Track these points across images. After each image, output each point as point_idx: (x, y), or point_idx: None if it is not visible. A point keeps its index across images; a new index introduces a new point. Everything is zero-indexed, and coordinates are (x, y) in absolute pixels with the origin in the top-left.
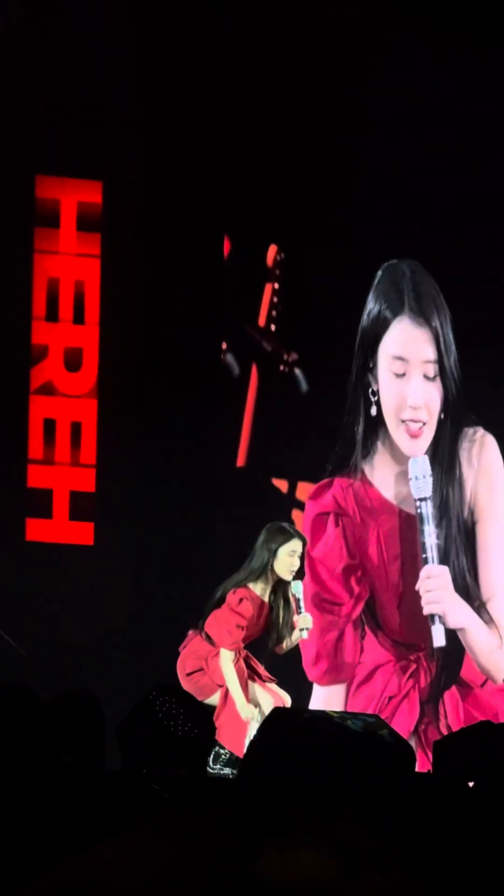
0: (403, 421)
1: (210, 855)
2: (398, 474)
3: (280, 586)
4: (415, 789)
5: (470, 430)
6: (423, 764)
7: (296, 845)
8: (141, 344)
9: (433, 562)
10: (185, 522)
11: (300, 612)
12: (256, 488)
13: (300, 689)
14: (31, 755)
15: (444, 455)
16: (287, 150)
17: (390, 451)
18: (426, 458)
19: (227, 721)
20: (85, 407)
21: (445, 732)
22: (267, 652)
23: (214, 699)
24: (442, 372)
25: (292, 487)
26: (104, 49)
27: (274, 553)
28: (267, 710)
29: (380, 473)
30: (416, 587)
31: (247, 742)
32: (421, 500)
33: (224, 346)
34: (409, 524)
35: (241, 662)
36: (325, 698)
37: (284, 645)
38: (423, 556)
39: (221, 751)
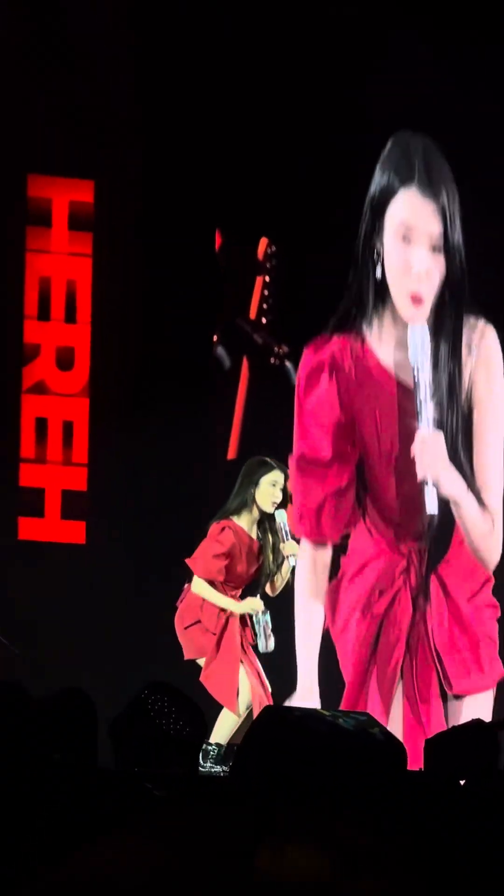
0: (406, 287)
1: (209, 855)
2: (398, 344)
3: (265, 521)
4: (407, 788)
5: (472, 318)
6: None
7: (293, 845)
8: (133, 343)
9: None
10: (177, 520)
11: (287, 540)
12: None
13: (292, 685)
14: (23, 753)
15: (446, 331)
16: (286, 150)
17: (392, 319)
18: (426, 327)
19: (217, 671)
20: (77, 406)
21: (435, 646)
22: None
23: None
24: (447, 248)
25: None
26: (100, 48)
27: (256, 484)
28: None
29: (380, 340)
30: (411, 452)
31: (239, 698)
32: (418, 368)
33: (215, 338)
34: (407, 397)
35: (237, 628)
36: (312, 558)
37: (277, 582)
38: (420, 424)
39: (209, 747)
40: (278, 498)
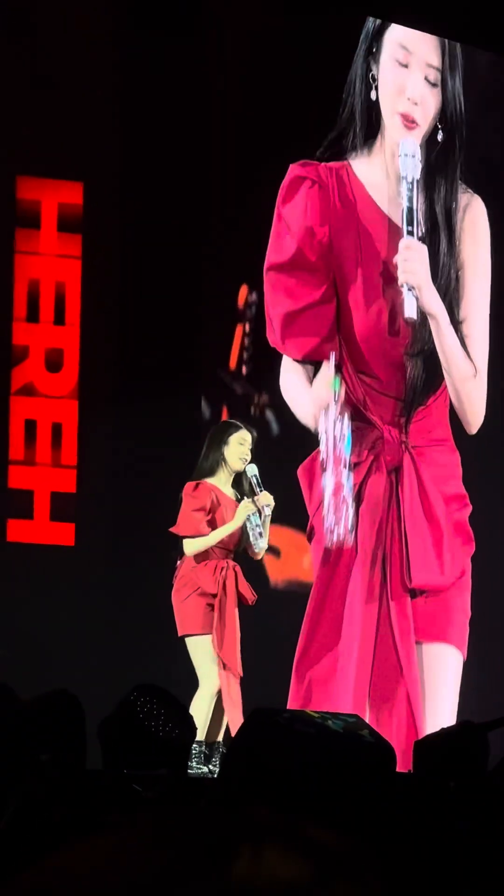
0: (399, 107)
1: (186, 858)
2: (386, 175)
3: (239, 479)
4: (395, 790)
5: (462, 187)
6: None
7: (272, 850)
8: (122, 345)
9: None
10: (165, 523)
11: (261, 492)
12: None
13: (277, 686)
14: (10, 754)
15: (438, 170)
16: (284, 150)
17: (381, 148)
18: (418, 143)
19: (228, 639)
20: (66, 408)
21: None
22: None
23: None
24: (444, 85)
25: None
26: (87, 50)
27: (226, 443)
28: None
29: (368, 168)
30: (394, 258)
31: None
32: (408, 178)
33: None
34: (391, 232)
35: (233, 591)
36: (293, 367)
37: (260, 541)
38: (409, 228)
39: (195, 748)
40: (247, 455)
